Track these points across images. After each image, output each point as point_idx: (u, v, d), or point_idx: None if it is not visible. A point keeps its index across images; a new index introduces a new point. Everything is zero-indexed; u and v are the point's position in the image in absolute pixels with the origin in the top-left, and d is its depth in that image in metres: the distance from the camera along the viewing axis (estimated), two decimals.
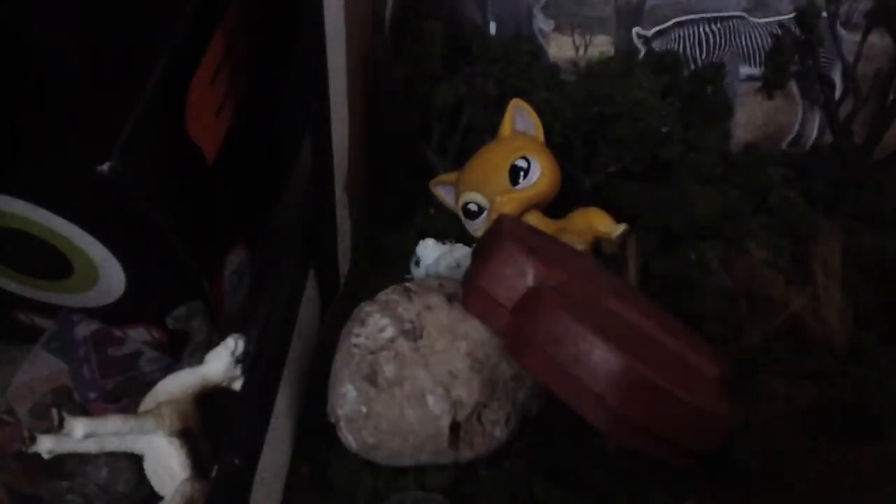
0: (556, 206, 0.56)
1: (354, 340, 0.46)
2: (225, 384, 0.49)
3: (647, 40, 0.62)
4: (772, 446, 0.45)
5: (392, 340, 0.45)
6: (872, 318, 0.51)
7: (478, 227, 0.56)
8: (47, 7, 0.50)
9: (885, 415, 0.46)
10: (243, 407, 0.43)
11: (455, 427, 0.44)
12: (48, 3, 0.51)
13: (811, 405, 0.47)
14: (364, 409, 0.44)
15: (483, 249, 0.46)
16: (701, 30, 0.61)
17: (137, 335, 0.57)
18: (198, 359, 0.50)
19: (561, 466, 0.46)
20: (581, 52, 0.63)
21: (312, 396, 0.48)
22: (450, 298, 0.46)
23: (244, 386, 0.46)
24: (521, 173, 0.54)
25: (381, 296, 0.47)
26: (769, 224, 0.57)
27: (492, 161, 0.55)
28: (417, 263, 0.55)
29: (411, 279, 0.55)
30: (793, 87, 0.62)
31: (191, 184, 0.52)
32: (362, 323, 0.46)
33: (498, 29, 0.63)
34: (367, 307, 0.47)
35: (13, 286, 0.56)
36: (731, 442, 0.44)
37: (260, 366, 0.45)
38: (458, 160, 0.59)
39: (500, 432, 0.45)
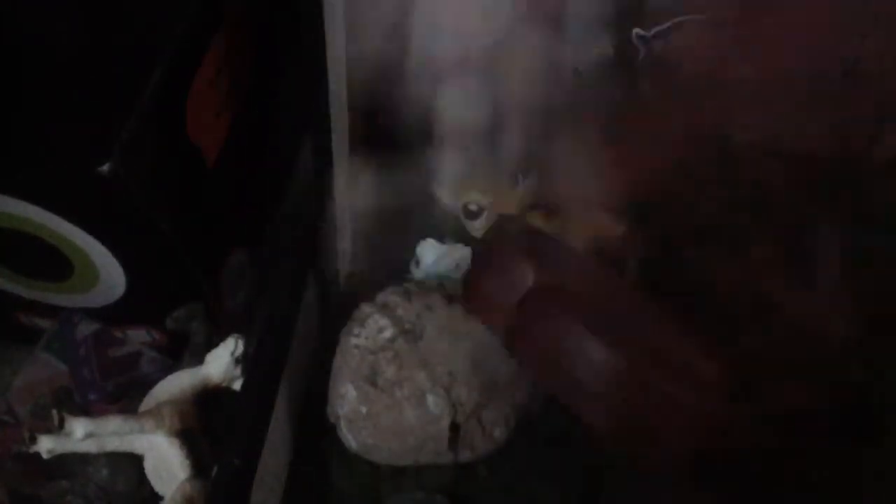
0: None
1: (354, 341, 0.46)
2: (225, 384, 0.49)
3: (646, 41, 0.62)
4: (772, 446, 0.45)
5: (392, 341, 0.45)
6: (872, 318, 0.51)
7: (478, 228, 0.56)
8: (48, 7, 0.50)
9: (885, 415, 0.46)
10: (243, 407, 0.43)
11: (455, 428, 0.44)
12: (49, 3, 0.51)
13: (811, 405, 0.47)
14: (364, 410, 0.44)
15: (483, 250, 0.46)
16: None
17: (137, 336, 0.57)
18: (198, 359, 0.50)
19: (560, 466, 0.46)
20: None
21: (312, 396, 0.48)
22: (449, 299, 0.46)
23: (244, 386, 0.46)
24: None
25: (381, 296, 0.47)
26: (769, 224, 0.57)
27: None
28: (417, 264, 0.55)
29: (411, 279, 0.55)
30: None
31: (191, 184, 0.52)
32: (362, 323, 0.46)
33: None
34: (366, 307, 0.47)
35: (14, 287, 0.55)
36: (731, 441, 0.44)
37: (260, 366, 0.45)
38: None
39: (499, 433, 0.45)
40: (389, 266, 0.57)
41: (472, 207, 0.55)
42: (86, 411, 0.52)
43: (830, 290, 0.49)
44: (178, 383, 0.48)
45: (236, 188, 0.57)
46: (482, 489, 0.45)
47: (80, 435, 0.43)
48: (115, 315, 0.55)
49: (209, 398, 0.49)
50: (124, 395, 0.53)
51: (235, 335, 0.48)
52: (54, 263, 0.51)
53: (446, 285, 0.48)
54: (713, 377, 0.44)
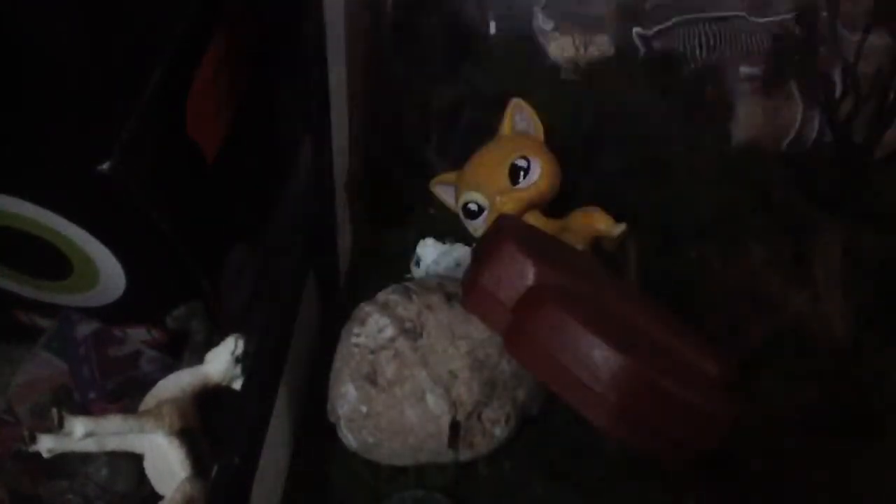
0: (556, 205, 0.56)
1: (354, 340, 0.46)
2: (225, 384, 0.49)
3: (647, 40, 0.62)
4: (772, 446, 0.45)
5: (392, 340, 0.45)
6: (872, 318, 0.51)
7: (478, 227, 0.56)
8: (49, 7, 0.50)
9: (885, 414, 0.46)
10: (243, 407, 0.43)
11: (455, 426, 0.44)
12: (49, 3, 0.51)
13: (811, 405, 0.47)
14: (364, 409, 0.44)
15: (483, 249, 0.46)
16: (701, 29, 0.61)
17: (137, 335, 0.57)
18: (198, 358, 0.50)
19: (561, 465, 0.46)
20: (581, 51, 0.63)
21: (312, 396, 0.48)
22: (450, 298, 0.46)
23: (244, 386, 0.46)
24: (521, 173, 0.54)
25: (381, 295, 0.47)
26: (769, 224, 0.57)
27: (492, 161, 0.55)
28: (417, 263, 0.55)
29: (411, 279, 0.55)
30: (793, 86, 0.62)
31: (191, 183, 0.52)
32: (362, 323, 0.46)
33: (498, 29, 0.63)
34: (367, 307, 0.47)
35: (13, 286, 0.56)
36: (731, 441, 0.44)
37: (260, 366, 0.45)
38: (458, 160, 0.60)
39: (500, 431, 0.45)
40: (389, 266, 0.57)
41: (472, 207, 0.55)
42: (86, 410, 0.52)
43: (830, 289, 0.49)
44: (179, 382, 0.48)
45: (236, 187, 0.57)
46: (482, 488, 0.45)
47: (80, 434, 0.43)
48: (114, 314, 0.55)
49: (209, 398, 0.49)
50: (124, 395, 0.53)
51: (235, 334, 0.48)
52: (54, 262, 0.52)
53: (446, 284, 0.48)
54: (713, 377, 0.44)
